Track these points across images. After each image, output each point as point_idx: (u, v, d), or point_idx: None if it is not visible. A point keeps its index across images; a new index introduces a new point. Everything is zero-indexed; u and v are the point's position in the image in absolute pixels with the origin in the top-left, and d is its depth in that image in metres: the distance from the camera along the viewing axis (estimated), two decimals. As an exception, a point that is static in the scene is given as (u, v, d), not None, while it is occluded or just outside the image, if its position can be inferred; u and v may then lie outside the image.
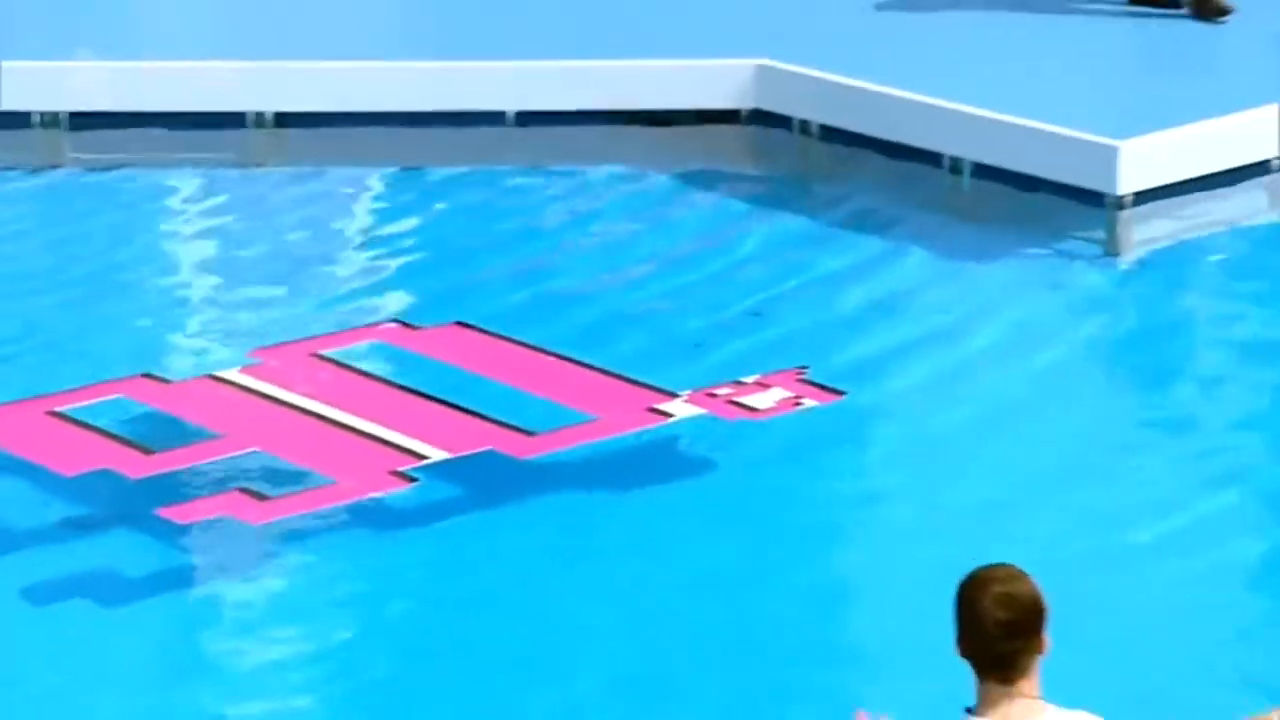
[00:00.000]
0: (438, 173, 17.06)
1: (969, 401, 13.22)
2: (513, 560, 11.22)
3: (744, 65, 16.46)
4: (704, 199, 16.29)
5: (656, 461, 11.96)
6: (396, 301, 14.32)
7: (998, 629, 5.00)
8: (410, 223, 16.46)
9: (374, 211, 16.81)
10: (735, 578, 10.81)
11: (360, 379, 12.73)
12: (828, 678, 9.36)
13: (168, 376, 12.68)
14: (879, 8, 17.75)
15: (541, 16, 18.69)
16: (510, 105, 17.07)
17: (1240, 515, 11.50)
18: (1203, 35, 17.59)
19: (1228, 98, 15.83)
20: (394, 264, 15.59)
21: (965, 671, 4.48)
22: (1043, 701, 5.17)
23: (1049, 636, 4.79)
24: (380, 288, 14.89)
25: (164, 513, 10.70)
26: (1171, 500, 11.58)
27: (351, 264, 15.96)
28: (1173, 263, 14.62)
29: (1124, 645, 9.82)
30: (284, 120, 17.48)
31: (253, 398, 12.29)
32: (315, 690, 9.87)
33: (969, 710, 5.03)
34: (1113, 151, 14.59)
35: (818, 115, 16.09)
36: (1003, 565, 5.16)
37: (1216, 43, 17.66)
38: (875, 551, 10.67)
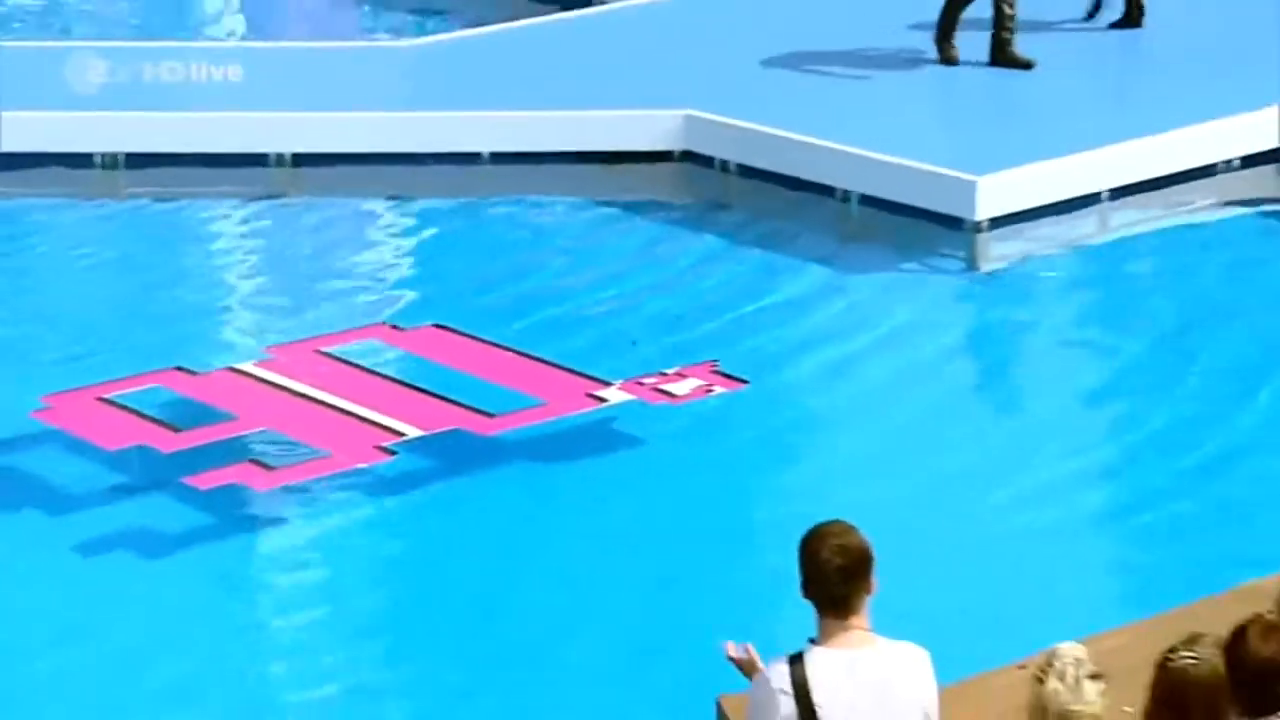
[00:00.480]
0: (425, 202, 17.42)
1: (850, 387, 13.74)
2: (476, 517, 11.81)
3: (675, 115, 16.87)
4: (642, 223, 16.71)
5: (594, 438, 12.44)
6: (387, 306, 14.72)
7: (835, 574, 5.76)
8: (400, 243, 16.88)
9: (371, 233, 17.19)
10: (657, 527, 11.38)
11: (354, 371, 13.09)
12: (732, 606, 9.97)
13: (195, 369, 12.99)
14: (783, 66, 18.03)
15: (511, 75, 18.91)
16: (486, 147, 17.34)
17: (1073, 479, 12.02)
18: (1048, 86, 18.14)
19: (1066, 140, 16.27)
20: (386, 276, 15.99)
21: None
22: (872, 634, 5.94)
23: (876, 580, 5.62)
24: (373, 295, 15.28)
25: (188, 480, 11.32)
26: (1015, 466, 12.11)
27: (350, 277, 16.31)
28: (1020, 275, 15.19)
29: (974, 581, 10.52)
30: (299, 160, 17.76)
31: (265, 386, 12.74)
32: (317, 617, 10.62)
33: (811, 641, 5.77)
34: (971, 185, 15.15)
35: (734, 155, 16.59)
36: (837, 521, 5.88)
37: (1058, 93, 18.11)
38: (768, 507, 11.10)
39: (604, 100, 17.42)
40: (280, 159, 17.82)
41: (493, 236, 16.80)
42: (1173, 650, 5.70)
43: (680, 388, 12.46)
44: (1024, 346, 14.17)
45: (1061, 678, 5.70)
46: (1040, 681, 5.64)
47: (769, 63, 18.13)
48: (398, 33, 20.49)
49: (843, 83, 17.69)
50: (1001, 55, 18.22)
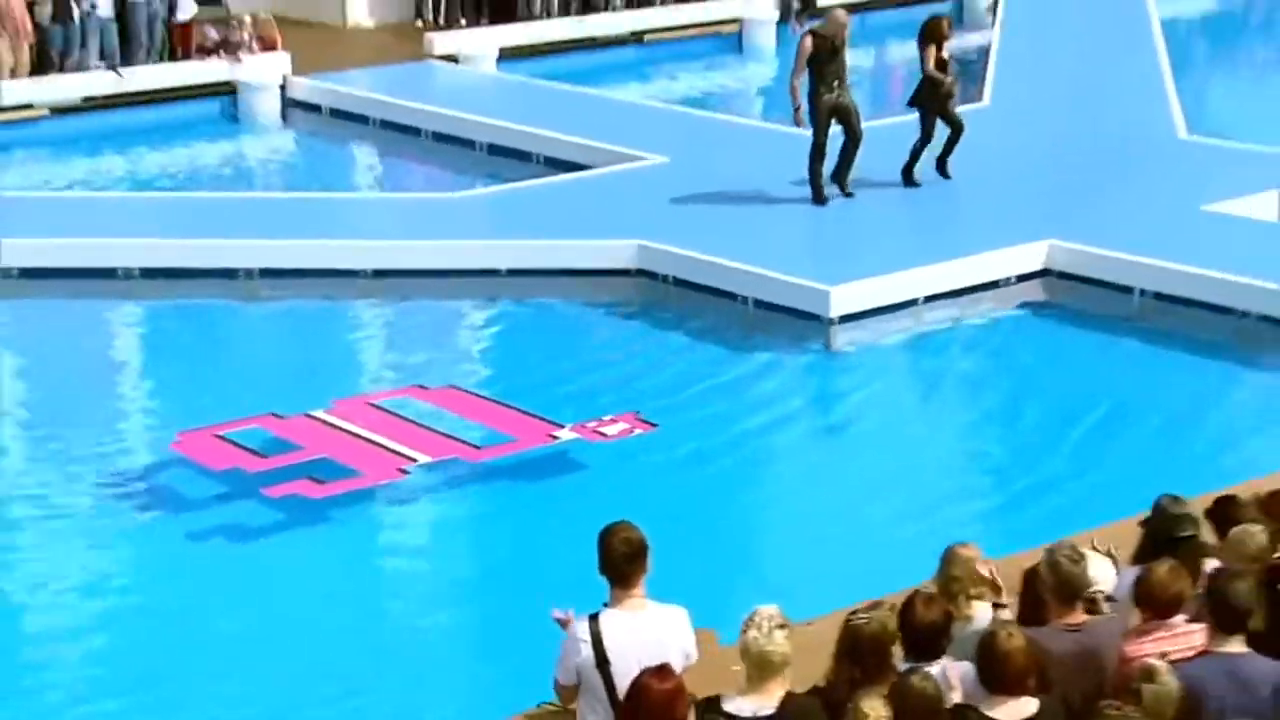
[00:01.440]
0: (458, 302, 17.32)
1: (732, 434, 14.06)
2: (469, 518, 12.70)
3: (631, 244, 16.99)
4: (604, 319, 16.90)
5: (551, 464, 12.87)
6: (415, 375, 14.78)
7: (621, 559, 6.51)
8: (443, 329, 16.83)
9: (400, 326, 17.13)
10: (594, 524, 11.50)
11: (389, 416, 13.40)
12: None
13: (283, 414, 13.38)
14: (710, 209, 18.13)
15: (516, 213, 19.07)
16: (502, 264, 17.35)
17: (903, 505, 12.16)
18: (883, 220, 18.24)
19: (895, 260, 16.44)
20: (410, 359, 15.97)
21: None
22: (647, 600, 6.67)
23: (651, 563, 6.41)
24: (404, 369, 15.38)
25: (265, 490, 11.96)
26: (861, 490, 12.51)
27: (383, 359, 16.52)
28: (862, 355, 15.31)
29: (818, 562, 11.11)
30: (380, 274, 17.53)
31: (327, 427, 13.15)
32: (348, 583, 11.12)
33: (605, 605, 6.57)
34: (826, 293, 15.37)
35: (672, 271, 16.72)
36: (624, 521, 6.64)
37: (890, 226, 18.28)
38: (672, 517, 10.85)
39: (588, 234, 17.57)
40: (373, 273, 17.63)
41: (492, 329, 16.93)
42: (853, 612, 6.45)
43: (611, 429, 12.97)
44: (864, 406, 14.33)
45: (759, 628, 6.11)
46: (744, 631, 6.07)
47: (700, 208, 18.12)
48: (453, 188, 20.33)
49: (750, 220, 17.77)
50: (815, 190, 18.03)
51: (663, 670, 5.87)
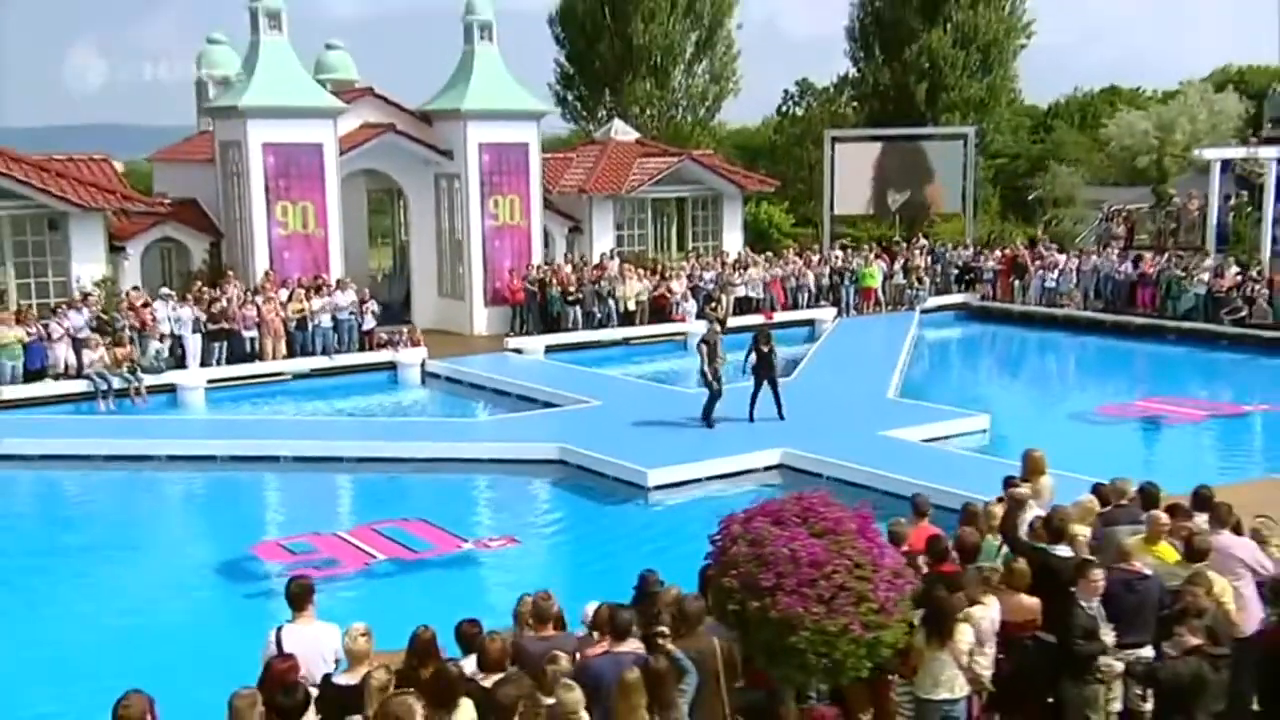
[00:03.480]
0: (450, 476, 16.17)
1: (569, 546, 13.67)
2: (401, 589, 11.69)
3: (554, 445, 16.36)
4: (533, 484, 15.96)
5: (459, 564, 12.33)
6: (407, 511, 13.85)
7: (296, 589, 6.75)
8: (430, 491, 15.66)
9: (410, 489, 15.83)
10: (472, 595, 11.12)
11: (378, 535, 12.86)
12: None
13: (320, 532, 13.01)
14: (612, 426, 17.26)
15: (507, 427, 18.29)
16: (483, 455, 16.52)
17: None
18: (691, 434, 17.16)
19: (693, 454, 15.78)
20: (406, 504, 14.75)
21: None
22: (314, 617, 6.72)
23: (317, 598, 6.58)
24: (401, 508, 14.22)
25: (292, 573, 10.83)
26: None
27: (392, 506, 14.93)
28: (675, 512, 14.25)
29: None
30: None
31: (341, 540, 12.74)
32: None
33: (288, 621, 6.57)
34: (644, 473, 14.79)
35: (574, 460, 15.97)
36: (299, 577, 6.93)
37: (689, 439, 16.99)
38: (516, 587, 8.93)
39: (542, 440, 16.84)
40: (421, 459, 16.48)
41: (477, 484, 16.07)
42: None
43: (494, 543, 12.72)
44: (672, 546, 11.72)
45: (350, 635, 6.44)
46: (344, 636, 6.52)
47: (606, 427, 17.14)
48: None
49: (626, 435, 16.87)
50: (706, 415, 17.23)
51: (288, 657, 6.09)
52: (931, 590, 7.08)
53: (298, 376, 22.29)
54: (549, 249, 28.54)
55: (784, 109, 43.19)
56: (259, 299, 22.61)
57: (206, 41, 29.08)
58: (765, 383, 17.47)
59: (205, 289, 22.96)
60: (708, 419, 17.25)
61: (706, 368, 17.25)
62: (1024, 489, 9.29)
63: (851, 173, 34.41)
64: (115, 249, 23.72)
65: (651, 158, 30.51)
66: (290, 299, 22.72)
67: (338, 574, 11.67)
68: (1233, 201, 29.21)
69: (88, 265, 22.78)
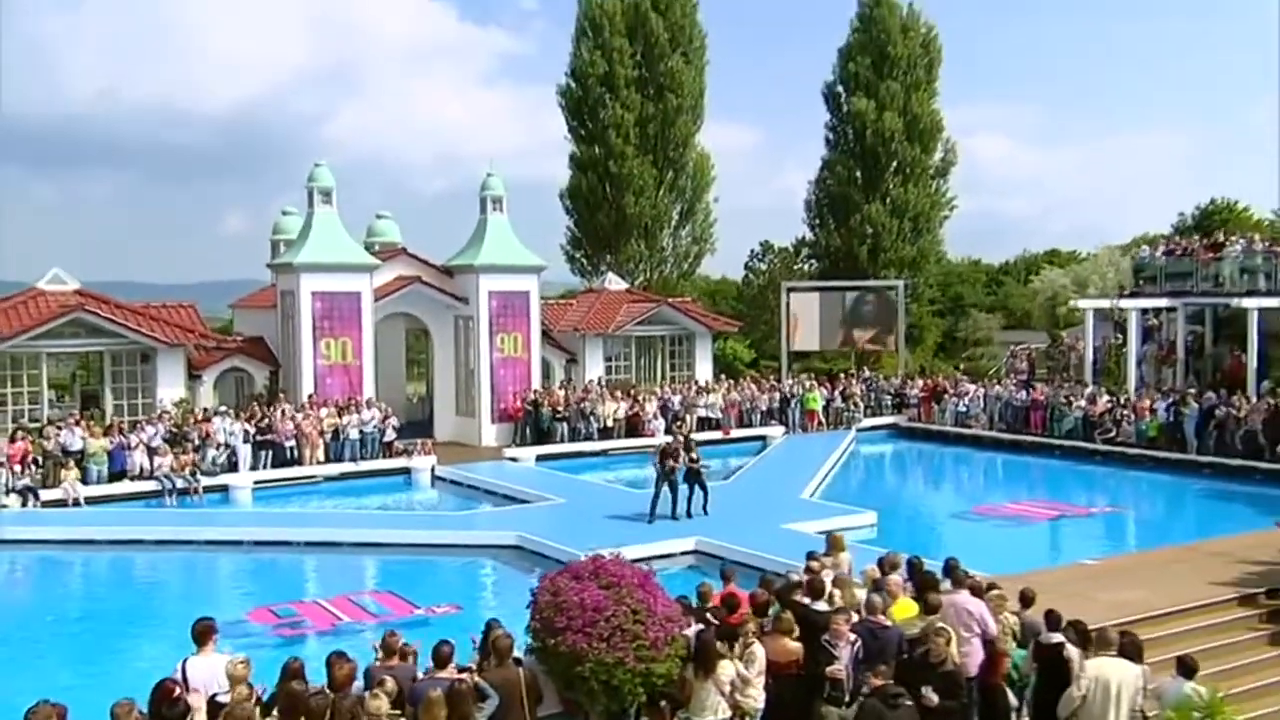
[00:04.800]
0: (426, 557, 16.15)
1: (482, 620, 13.40)
2: (357, 647, 10.85)
3: (514, 533, 16.40)
4: (490, 564, 15.85)
5: (408, 625, 11.48)
6: (379, 584, 14.14)
7: (200, 629, 6.85)
8: (404, 569, 15.65)
9: (393, 567, 15.91)
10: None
11: (350, 603, 13.12)
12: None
13: (305, 600, 13.38)
14: (567, 519, 17.10)
15: (485, 518, 18.23)
16: (457, 541, 16.53)
17: None
18: (633, 525, 17.09)
19: (626, 539, 14.34)
20: (378, 580, 15.03)
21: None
22: (215, 651, 6.71)
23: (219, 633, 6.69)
24: (374, 581, 14.59)
25: (271, 632, 11.87)
26: None
27: (368, 579, 15.49)
28: None
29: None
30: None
31: (320, 606, 13.10)
32: None
33: (192, 654, 6.66)
34: (578, 554, 12.95)
35: (529, 546, 15.96)
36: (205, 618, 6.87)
37: (628, 527, 16.94)
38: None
39: (503, 529, 16.80)
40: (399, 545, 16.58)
41: (450, 565, 15.91)
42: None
43: (441, 609, 12.82)
44: None
45: (230, 663, 6.51)
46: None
47: (562, 519, 17.13)
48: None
49: (577, 524, 16.72)
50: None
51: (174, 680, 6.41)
52: (700, 635, 7.61)
53: (329, 479, 22.43)
54: (550, 377, 29.34)
55: (750, 265, 44.28)
56: (300, 415, 23.42)
57: (281, 213, 30.57)
58: (694, 486, 17.44)
59: (256, 406, 23.87)
60: (652, 514, 17.29)
61: (657, 468, 17.40)
62: (822, 561, 9.83)
63: (805, 317, 35.24)
64: (194, 376, 24.69)
65: (636, 303, 31.40)
66: (326, 415, 23.45)
67: (307, 632, 12.01)
68: (1108, 342, 29.55)
69: (170, 389, 23.79)
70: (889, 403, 31.75)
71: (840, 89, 41.18)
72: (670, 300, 32.37)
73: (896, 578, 8.88)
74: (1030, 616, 8.70)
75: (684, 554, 15.61)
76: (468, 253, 27.85)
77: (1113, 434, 25.38)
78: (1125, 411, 25.48)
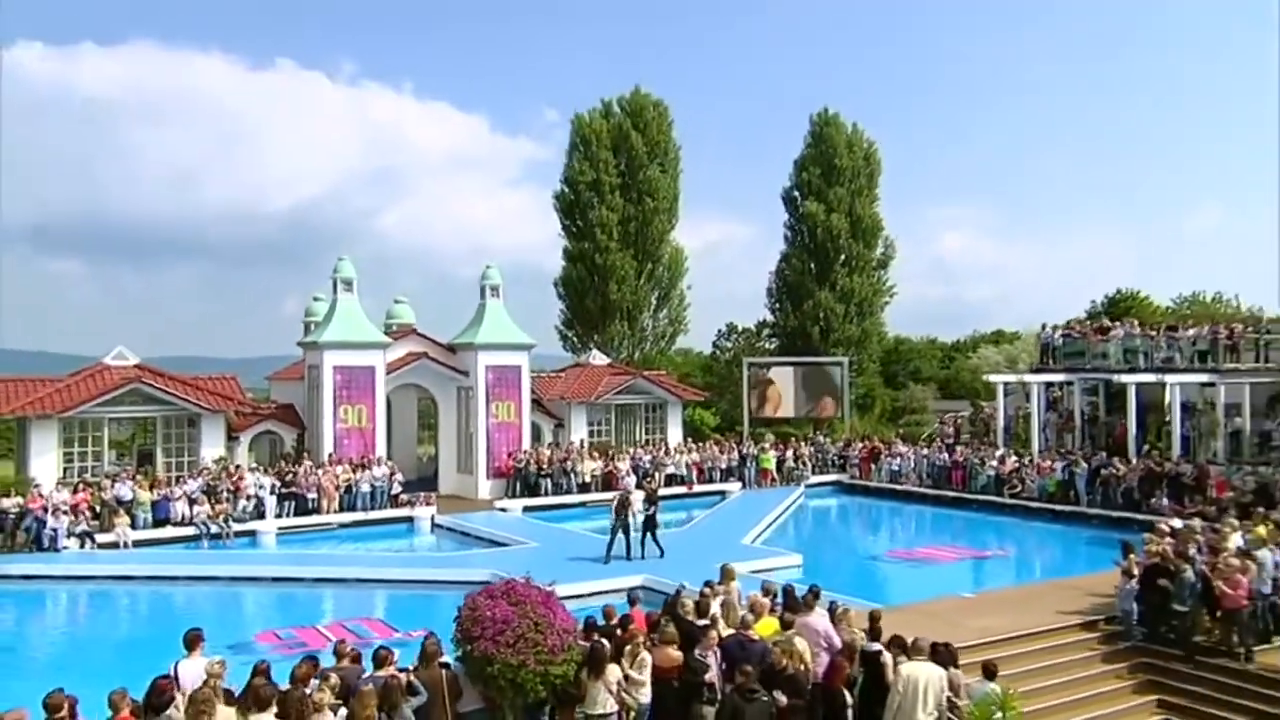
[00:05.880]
0: (392, 591, 16.25)
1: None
2: None
3: (488, 571, 15.40)
4: (450, 606, 15.68)
5: (386, 645, 11.96)
6: (370, 613, 14.22)
7: (189, 637, 7.24)
8: (398, 603, 15.42)
9: (363, 602, 15.80)
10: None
11: (341, 628, 13.16)
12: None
13: (305, 625, 13.50)
14: (539, 559, 16.46)
15: (465, 559, 18.00)
16: (436, 578, 16.01)
17: None
18: (593, 565, 16.96)
19: (588, 576, 15.80)
20: (369, 608, 14.98)
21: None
22: (202, 655, 7.13)
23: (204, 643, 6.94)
24: (363, 610, 14.58)
25: (275, 649, 11.69)
26: None
27: (361, 607, 15.26)
28: None
29: None
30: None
31: (317, 631, 13.31)
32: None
33: (183, 657, 6.88)
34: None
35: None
36: (193, 625, 7.11)
37: (589, 567, 16.84)
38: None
39: (474, 567, 16.25)
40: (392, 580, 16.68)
41: (430, 596, 15.12)
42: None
43: (416, 633, 12.01)
44: None
45: (210, 665, 6.77)
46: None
47: (533, 558, 16.69)
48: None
49: (547, 563, 15.18)
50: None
51: (166, 677, 6.88)
52: (593, 644, 8.36)
53: (343, 526, 22.67)
54: (541, 439, 30.07)
55: (717, 343, 45.27)
56: (321, 471, 24.17)
57: (312, 299, 31.52)
58: (648, 532, 17.59)
59: (283, 464, 24.61)
60: (608, 555, 17.51)
61: (612, 517, 17.68)
62: (715, 588, 10.55)
63: (764, 388, 36.11)
64: (232, 437, 25.59)
65: (616, 375, 32.23)
66: (342, 471, 24.15)
67: (300, 650, 11.67)
68: (1019, 411, 30.25)
69: (211, 449, 24.67)
70: (834, 462, 32.31)
71: (796, 194, 42.64)
72: (645, 373, 33.18)
73: (765, 600, 9.59)
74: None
75: (634, 588, 15.82)
76: (468, 332, 28.74)
77: (1019, 489, 25.99)
78: (1029, 470, 26.13)
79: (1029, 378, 28.80)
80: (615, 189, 37.17)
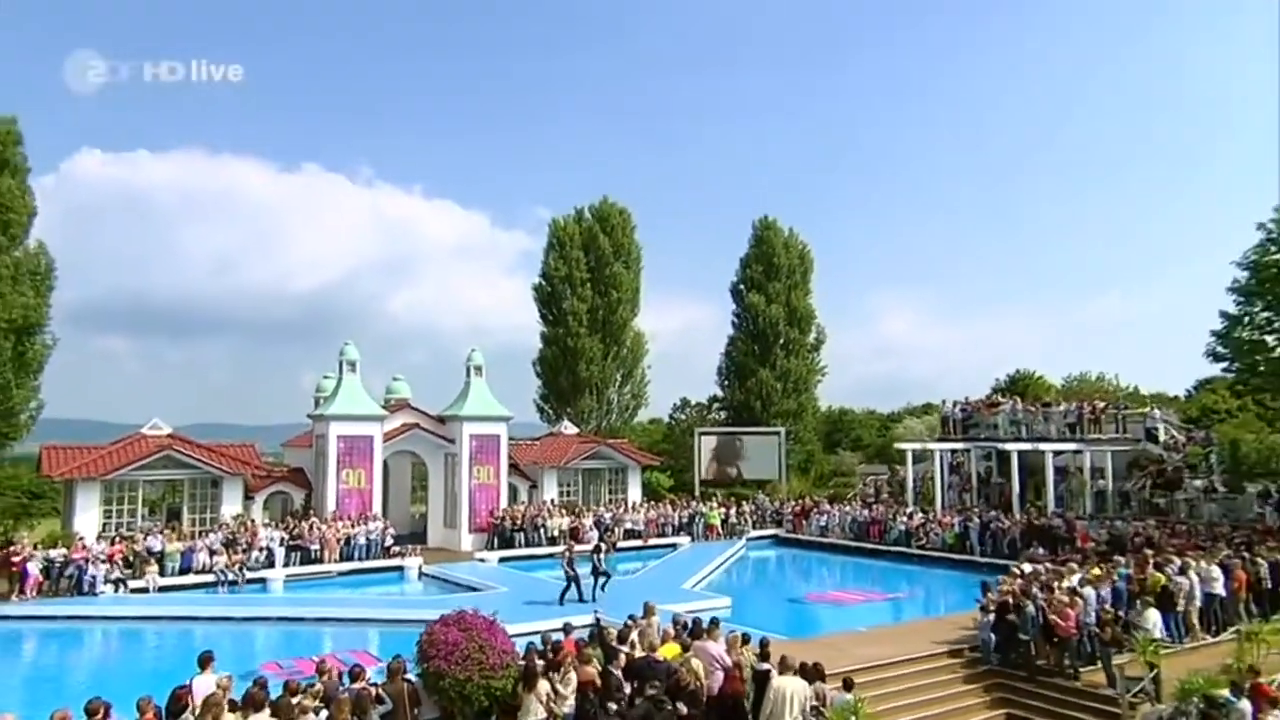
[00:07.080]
0: (379, 628, 15.95)
1: None
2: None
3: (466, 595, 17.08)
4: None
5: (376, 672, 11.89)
6: (359, 645, 14.07)
7: (203, 660, 7.63)
8: (366, 639, 15.35)
9: (354, 637, 15.65)
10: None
11: (334, 659, 12.58)
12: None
13: (303, 657, 13.49)
14: (508, 602, 16.20)
15: (442, 599, 16.72)
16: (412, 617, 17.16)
17: None
18: (548, 607, 17.10)
19: (548, 614, 15.73)
20: (361, 642, 14.70)
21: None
22: (215, 673, 7.46)
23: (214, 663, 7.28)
24: (354, 644, 14.68)
25: (276, 676, 11.00)
26: None
27: (354, 642, 15.20)
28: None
29: None
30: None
31: (314, 661, 12.74)
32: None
33: (197, 674, 7.34)
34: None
35: None
36: (205, 649, 7.40)
37: (544, 609, 16.88)
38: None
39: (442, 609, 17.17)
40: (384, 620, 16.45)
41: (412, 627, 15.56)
42: None
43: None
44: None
45: (220, 681, 6.98)
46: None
47: (503, 602, 16.37)
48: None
49: (514, 607, 13.75)
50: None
51: (185, 688, 7.35)
52: (527, 664, 9.15)
53: (342, 574, 22.73)
54: (516, 499, 30.59)
55: (673, 415, 46.20)
56: (324, 526, 24.66)
57: (323, 377, 32.30)
58: (598, 576, 18.01)
59: (291, 520, 25.00)
60: (561, 599, 17.74)
61: (566, 568, 18.10)
62: (637, 621, 11.38)
63: (712, 454, 36.99)
64: (249, 497, 25.85)
65: (583, 443, 32.95)
66: (342, 527, 24.66)
67: (303, 675, 12.39)
68: (927, 473, 31.28)
69: (231, 506, 25.02)
70: (773, 518, 33.03)
71: (742, 287, 44.12)
72: (609, 441, 33.93)
73: (671, 629, 10.43)
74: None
75: (584, 626, 16.40)
76: (455, 405, 29.33)
77: (924, 542, 26.86)
78: (933, 525, 27.06)
79: (933, 445, 29.90)
80: (585, 283, 38.02)
